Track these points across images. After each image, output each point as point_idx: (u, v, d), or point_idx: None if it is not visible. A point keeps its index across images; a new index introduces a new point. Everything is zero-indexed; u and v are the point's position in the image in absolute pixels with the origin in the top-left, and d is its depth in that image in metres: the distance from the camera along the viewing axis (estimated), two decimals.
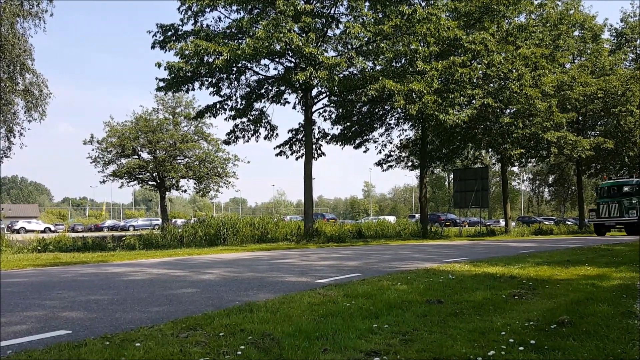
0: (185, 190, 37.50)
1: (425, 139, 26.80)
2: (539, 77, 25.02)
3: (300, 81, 17.64)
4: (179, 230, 18.75)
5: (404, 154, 29.50)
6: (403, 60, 20.85)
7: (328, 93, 21.45)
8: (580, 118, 34.53)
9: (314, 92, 21.04)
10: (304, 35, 17.91)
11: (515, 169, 56.40)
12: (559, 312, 4.12)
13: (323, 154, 24.32)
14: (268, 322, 3.82)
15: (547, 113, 26.12)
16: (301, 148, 22.89)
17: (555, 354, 2.99)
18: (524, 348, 3.10)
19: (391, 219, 42.61)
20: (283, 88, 20.76)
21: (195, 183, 36.66)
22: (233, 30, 18.46)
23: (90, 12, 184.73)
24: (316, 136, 24.50)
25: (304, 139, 22.06)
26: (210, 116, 21.80)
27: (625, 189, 27.36)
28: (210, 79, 20.05)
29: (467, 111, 21.58)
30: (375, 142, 27.98)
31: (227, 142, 22.58)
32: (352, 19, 18.93)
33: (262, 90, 21.05)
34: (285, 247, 16.27)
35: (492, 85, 24.86)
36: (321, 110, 25.07)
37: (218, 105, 21.05)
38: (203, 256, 12.29)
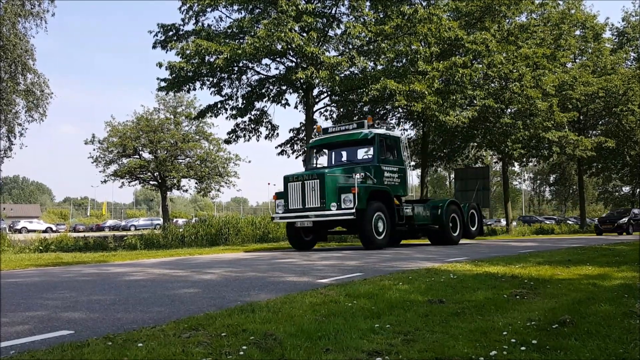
0: (186, 190, 37.54)
1: (427, 138, 26.81)
2: (540, 77, 25.00)
3: (301, 80, 17.65)
4: (181, 230, 18.77)
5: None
6: (404, 60, 20.86)
7: (329, 93, 21.46)
8: (581, 117, 34.55)
9: (315, 91, 21.06)
10: (305, 34, 17.92)
11: (516, 168, 56.38)
12: (560, 312, 4.12)
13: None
14: (270, 322, 3.83)
15: (548, 112, 26.11)
16: (302, 147, 22.92)
17: (557, 353, 2.99)
18: (526, 348, 3.10)
19: None
20: (284, 87, 20.79)
21: (196, 183, 36.69)
22: (234, 29, 18.48)
23: (91, 13, 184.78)
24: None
25: (305, 138, 22.07)
26: (211, 116, 21.84)
27: (358, 154, 14.76)
28: (211, 79, 20.08)
29: (467, 112, 21.58)
30: None
31: (228, 142, 22.62)
32: (353, 19, 18.95)
33: (263, 90, 21.08)
34: (287, 246, 16.26)
35: (492, 85, 24.85)
36: (322, 110, 25.11)
37: (219, 105, 21.08)
38: (204, 256, 12.30)
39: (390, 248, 14.05)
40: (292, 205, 13.63)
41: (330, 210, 12.91)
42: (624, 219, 28.19)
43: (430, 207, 15.67)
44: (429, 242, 16.65)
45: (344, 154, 15.05)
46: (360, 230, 13.26)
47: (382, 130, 14.45)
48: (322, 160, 15.77)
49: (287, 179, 13.86)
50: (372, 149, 14.13)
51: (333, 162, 15.27)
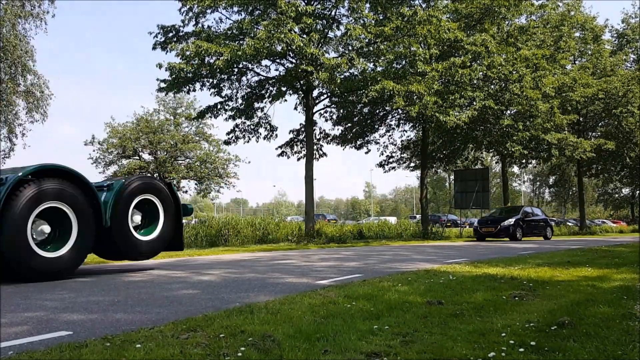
0: (186, 191, 37.61)
1: (426, 140, 26.81)
2: (540, 78, 25.00)
3: (305, 73, 17.63)
4: None
5: (405, 155, 29.54)
6: (404, 62, 20.86)
7: (329, 94, 21.46)
8: (581, 119, 34.57)
9: (315, 92, 21.06)
10: (305, 36, 17.93)
11: (515, 169, 56.42)
12: (559, 314, 4.12)
13: (324, 154, 24.34)
14: (268, 324, 3.83)
15: (548, 114, 26.12)
16: (302, 149, 22.90)
17: (556, 355, 2.99)
18: (524, 349, 3.10)
19: (392, 219, 42.54)
20: (284, 89, 20.78)
21: (196, 184, 36.73)
22: (234, 31, 18.48)
23: (91, 13, 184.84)
24: (317, 137, 24.53)
25: (305, 139, 22.07)
26: (210, 116, 21.84)
27: None
28: (211, 80, 20.06)
29: (467, 112, 21.58)
30: (376, 143, 28.01)
31: (227, 143, 22.60)
32: (353, 21, 18.95)
33: (263, 91, 21.08)
34: (286, 247, 16.26)
35: (492, 86, 24.86)
36: (322, 111, 25.09)
37: (219, 106, 21.08)
38: (204, 257, 12.29)
39: (386, 247, 13.99)
40: None
41: None
42: (510, 220, 22.51)
43: None
44: None
45: None
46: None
47: None
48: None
49: None
50: None
51: None
